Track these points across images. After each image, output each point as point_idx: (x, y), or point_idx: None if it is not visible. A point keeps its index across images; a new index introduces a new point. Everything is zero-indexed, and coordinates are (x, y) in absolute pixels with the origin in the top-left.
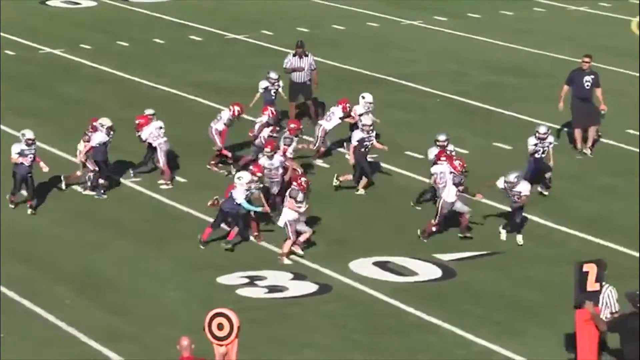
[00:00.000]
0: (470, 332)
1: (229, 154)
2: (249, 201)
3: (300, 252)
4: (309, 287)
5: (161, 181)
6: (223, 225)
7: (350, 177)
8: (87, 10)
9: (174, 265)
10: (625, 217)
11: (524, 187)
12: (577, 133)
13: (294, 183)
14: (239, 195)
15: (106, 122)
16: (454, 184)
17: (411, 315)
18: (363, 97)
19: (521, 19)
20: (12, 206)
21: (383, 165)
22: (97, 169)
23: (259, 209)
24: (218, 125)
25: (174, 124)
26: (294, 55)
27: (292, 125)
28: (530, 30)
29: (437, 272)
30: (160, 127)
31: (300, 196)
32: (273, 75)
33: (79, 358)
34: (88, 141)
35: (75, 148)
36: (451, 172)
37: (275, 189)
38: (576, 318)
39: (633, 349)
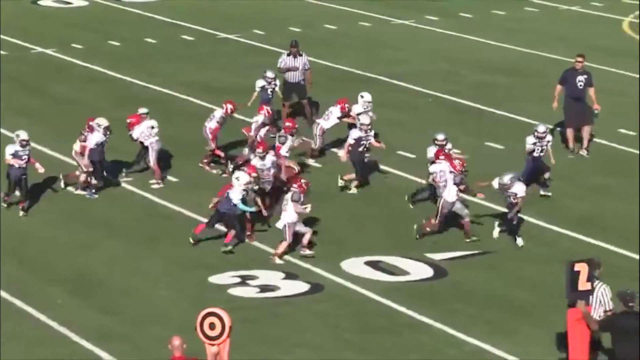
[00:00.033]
0: (462, 332)
1: (222, 154)
2: (244, 202)
3: (310, 252)
4: (301, 286)
5: (153, 181)
6: (218, 225)
7: (353, 175)
8: (79, 9)
9: (166, 265)
10: (618, 216)
11: (520, 188)
12: (570, 133)
13: (295, 185)
14: (236, 196)
15: (103, 122)
16: (455, 183)
17: (403, 314)
18: (362, 97)
19: (513, 19)
20: (5, 205)
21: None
22: (91, 169)
23: (253, 209)
24: (211, 124)
25: (166, 123)
26: (288, 54)
27: (287, 124)
28: (522, 29)
29: (428, 272)
30: (152, 127)
31: (302, 198)
32: (269, 74)
33: (71, 358)
34: (84, 141)
35: (68, 148)
36: (451, 172)
37: (267, 188)
38: (568, 317)
39: (624, 348)
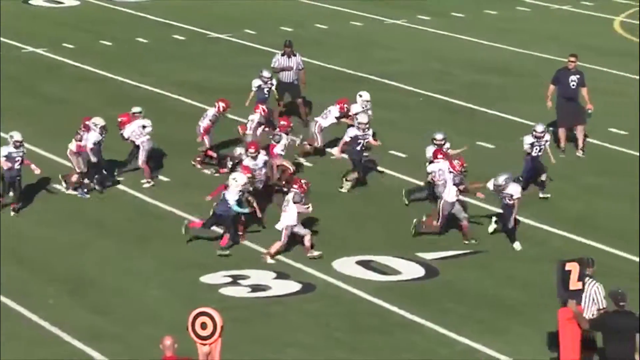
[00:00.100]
0: (453, 331)
1: (214, 155)
2: (240, 203)
3: (318, 253)
4: (292, 286)
5: (144, 180)
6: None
7: (355, 174)
8: (70, 9)
9: (157, 265)
10: (610, 216)
11: (515, 189)
12: (562, 132)
13: (295, 186)
14: (232, 197)
15: (99, 121)
16: (454, 184)
17: (394, 314)
18: (360, 96)
19: (505, 18)
20: None
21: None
22: (84, 169)
23: (247, 211)
24: (204, 122)
25: (157, 123)
26: (283, 54)
27: (282, 123)
28: (513, 29)
29: (420, 271)
30: (144, 126)
31: (303, 198)
32: (266, 73)
33: (63, 357)
34: (80, 140)
35: (59, 147)
36: (450, 172)
37: (259, 187)
38: (559, 316)
39: (615, 347)
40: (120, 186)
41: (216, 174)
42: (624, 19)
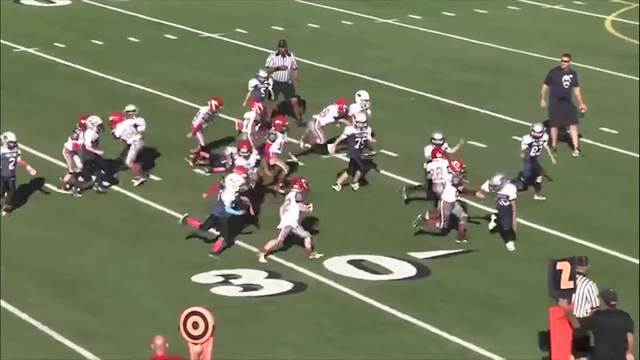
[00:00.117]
0: (445, 330)
1: (207, 155)
2: (235, 205)
3: (318, 255)
4: (284, 285)
5: (134, 179)
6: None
7: (345, 176)
8: (61, 8)
9: (149, 264)
10: (601, 215)
11: (511, 190)
12: (553, 132)
13: (295, 185)
14: (228, 198)
15: (96, 119)
16: (454, 184)
17: (386, 313)
18: (359, 95)
19: (496, 18)
20: None
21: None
22: (78, 169)
23: (241, 213)
24: (196, 121)
25: (149, 122)
26: (277, 54)
27: (277, 122)
28: (505, 28)
29: (411, 271)
30: (136, 125)
31: (304, 198)
32: (262, 73)
33: (54, 357)
34: (76, 139)
35: (51, 147)
36: (450, 172)
37: (252, 186)
38: (550, 316)
39: (606, 346)
40: (112, 186)
41: (209, 173)
42: (615, 18)
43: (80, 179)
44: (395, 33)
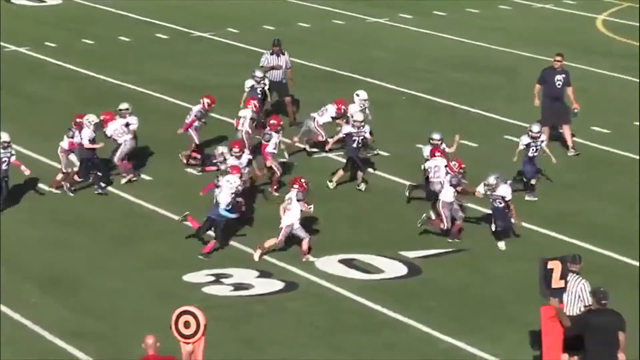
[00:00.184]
0: (436, 329)
1: (198, 155)
2: (231, 207)
3: (312, 259)
4: (275, 284)
5: (123, 179)
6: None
7: (341, 173)
8: (52, 7)
9: (140, 264)
10: (593, 214)
11: (507, 191)
12: (545, 131)
13: (295, 185)
14: (224, 199)
15: (93, 118)
16: (452, 184)
17: (377, 312)
18: (357, 95)
19: (487, 17)
20: None
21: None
22: (69, 170)
23: (234, 216)
24: (189, 119)
25: (140, 122)
26: (272, 53)
27: (272, 122)
28: (496, 27)
29: (402, 270)
30: (127, 124)
31: (305, 197)
32: (258, 73)
33: (45, 357)
34: (72, 137)
35: (42, 146)
36: (448, 173)
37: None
38: (541, 315)
39: (597, 346)
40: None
41: (200, 173)
42: (606, 17)
43: (77, 178)
44: (386, 32)
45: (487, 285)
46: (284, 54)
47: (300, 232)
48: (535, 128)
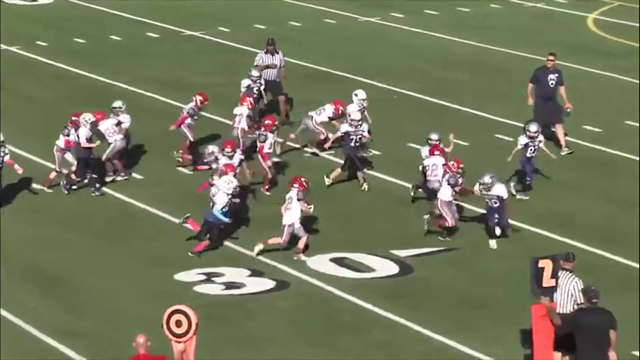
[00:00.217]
0: (427, 328)
1: (189, 157)
2: (227, 209)
3: (304, 258)
4: (267, 283)
5: (118, 178)
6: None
7: (339, 171)
8: (44, 7)
9: (132, 262)
10: (585, 213)
11: (502, 190)
12: None
13: (295, 184)
14: (221, 200)
15: (89, 117)
16: (450, 184)
17: (369, 311)
18: (356, 95)
19: (478, 16)
20: None
21: (340, 161)
22: (63, 169)
23: (229, 221)
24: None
25: (132, 120)
26: (266, 52)
27: (267, 122)
28: (487, 26)
29: (394, 268)
30: (119, 123)
31: (305, 196)
32: (255, 73)
33: (36, 355)
34: (68, 135)
35: (34, 145)
36: (446, 172)
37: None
38: (532, 314)
39: (588, 344)
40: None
41: (192, 172)
42: (597, 16)
43: (74, 177)
44: (377, 31)
45: (479, 284)
46: (278, 53)
47: (300, 232)
48: (533, 128)
